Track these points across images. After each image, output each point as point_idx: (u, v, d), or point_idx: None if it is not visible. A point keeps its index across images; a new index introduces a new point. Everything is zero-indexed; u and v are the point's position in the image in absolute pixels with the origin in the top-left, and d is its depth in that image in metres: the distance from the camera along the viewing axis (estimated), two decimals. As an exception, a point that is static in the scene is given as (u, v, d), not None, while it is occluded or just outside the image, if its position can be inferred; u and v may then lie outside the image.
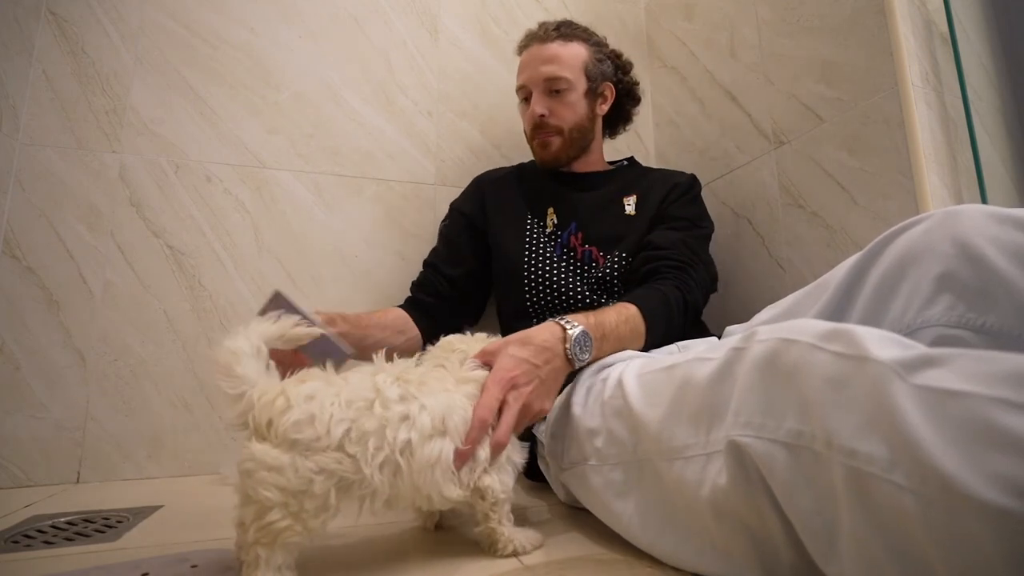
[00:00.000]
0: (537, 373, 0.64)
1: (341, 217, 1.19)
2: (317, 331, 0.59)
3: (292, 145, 1.18)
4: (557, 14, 1.42)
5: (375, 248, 1.20)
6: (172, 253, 1.07)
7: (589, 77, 1.03)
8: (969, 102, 0.84)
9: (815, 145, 0.98)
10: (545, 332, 0.68)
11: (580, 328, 0.69)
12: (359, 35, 1.26)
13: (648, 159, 1.46)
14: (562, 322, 0.69)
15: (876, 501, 0.34)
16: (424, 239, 1.22)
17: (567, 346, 0.67)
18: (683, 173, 1.06)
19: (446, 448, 0.54)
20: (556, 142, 1.03)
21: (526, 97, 1.05)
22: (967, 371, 0.33)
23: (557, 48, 1.02)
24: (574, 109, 1.02)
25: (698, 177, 1.28)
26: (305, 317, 0.63)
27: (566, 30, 1.04)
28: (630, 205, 1.01)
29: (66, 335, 0.99)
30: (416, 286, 1.03)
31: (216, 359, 0.50)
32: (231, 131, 1.14)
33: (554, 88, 1.01)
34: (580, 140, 1.05)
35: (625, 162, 1.15)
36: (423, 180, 1.26)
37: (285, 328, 0.56)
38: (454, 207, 1.12)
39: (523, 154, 1.33)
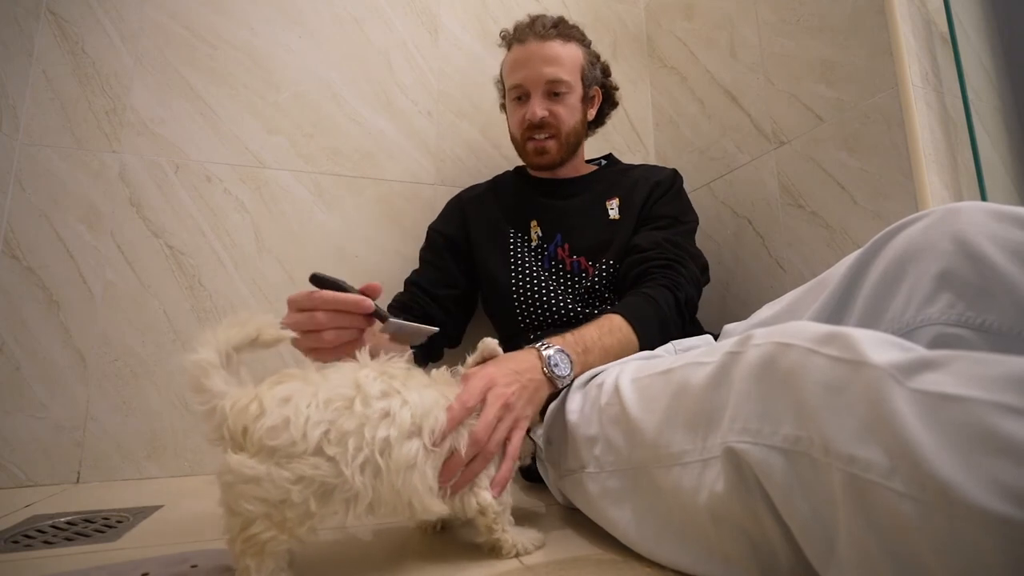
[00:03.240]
0: (518, 379, 0.63)
1: (341, 217, 1.19)
2: (288, 334, 0.54)
3: (292, 145, 1.18)
4: (558, 14, 1.42)
5: (375, 248, 1.20)
6: (172, 253, 1.07)
7: (584, 81, 1.02)
8: (969, 102, 0.84)
9: (815, 145, 0.98)
10: (520, 355, 0.67)
11: (555, 347, 0.68)
12: (359, 35, 1.26)
13: (648, 159, 1.46)
14: (536, 346, 0.69)
15: (875, 507, 0.34)
16: (424, 239, 1.22)
17: (543, 367, 0.66)
18: (664, 169, 1.04)
19: (422, 450, 0.51)
20: (553, 146, 1.00)
21: (519, 97, 1.01)
22: (966, 374, 0.32)
23: (558, 48, 0.98)
24: (573, 113, 1.00)
25: (697, 176, 1.29)
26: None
27: (564, 29, 1.00)
28: (613, 209, 0.99)
29: (66, 335, 0.99)
30: (401, 307, 0.97)
31: (185, 373, 0.48)
32: (231, 131, 1.14)
33: (555, 90, 0.98)
34: (575, 144, 1.03)
35: (603, 161, 1.13)
36: (423, 180, 1.26)
37: (253, 332, 0.51)
38: (434, 229, 1.08)
39: (523, 154, 1.34)
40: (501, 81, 1.09)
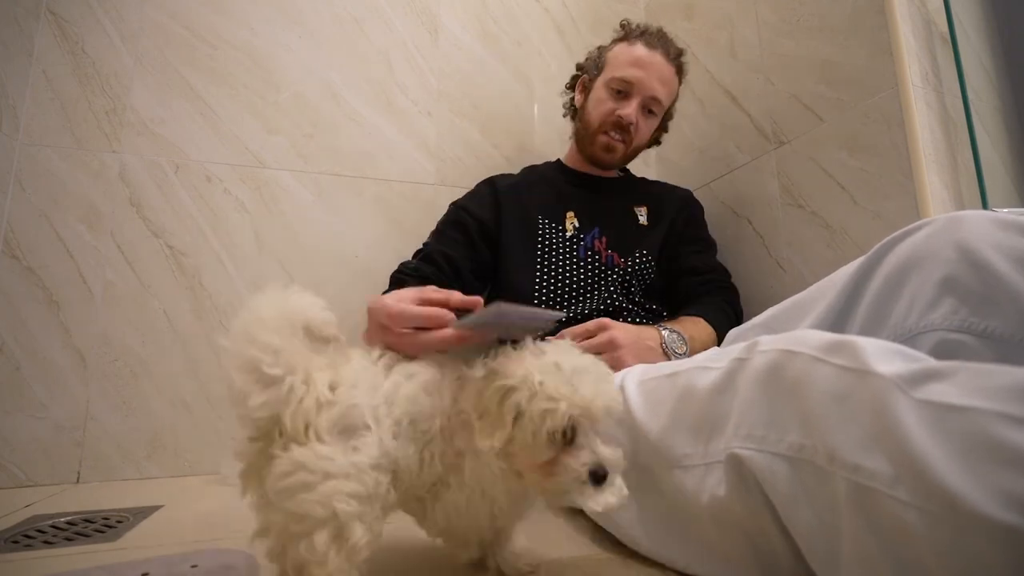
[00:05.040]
0: (637, 336, 0.78)
1: (341, 217, 1.19)
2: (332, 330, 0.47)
3: (292, 145, 1.18)
4: (557, 15, 1.42)
5: (375, 248, 1.20)
6: (172, 253, 1.07)
7: (667, 112, 1.08)
8: (969, 102, 0.84)
9: (815, 145, 0.98)
10: (649, 330, 0.80)
11: (675, 331, 0.81)
12: (359, 35, 1.26)
13: (648, 159, 1.46)
14: (656, 326, 0.81)
15: (879, 516, 0.34)
16: (424, 239, 1.22)
17: (662, 342, 0.79)
18: (681, 189, 1.12)
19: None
20: (620, 150, 1.03)
21: (619, 90, 1.01)
22: (969, 385, 0.32)
23: (671, 75, 1.03)
24: (649, 132, 1.06)
25: (697, 176, 1.29)
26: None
27: (680, 63, 1.05)
28: (642, 216, 1.04)
29: (66, 335, 0.99)
30: (422, 281, 0.90)
31: (251, 318, 0.42)
32: (231, 131, 1.14)
33: (651, 108, 1.03)
34: (633, 157, 1.09)
35: (619, 172, 1.15)
36: (423, 180, 1.26)
37: (319, 322, 0.45)
38: (464, 209, 1.03)
39: (522, 154, 1.34)
40: (596, 62, 1.07)
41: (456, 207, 1.05)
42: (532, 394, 0.43)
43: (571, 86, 1.14)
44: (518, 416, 0.43)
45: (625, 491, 0.43)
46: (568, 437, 0.42)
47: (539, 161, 1.18)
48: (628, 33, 1.05)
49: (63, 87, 1.05)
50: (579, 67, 1.13)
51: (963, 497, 0.29)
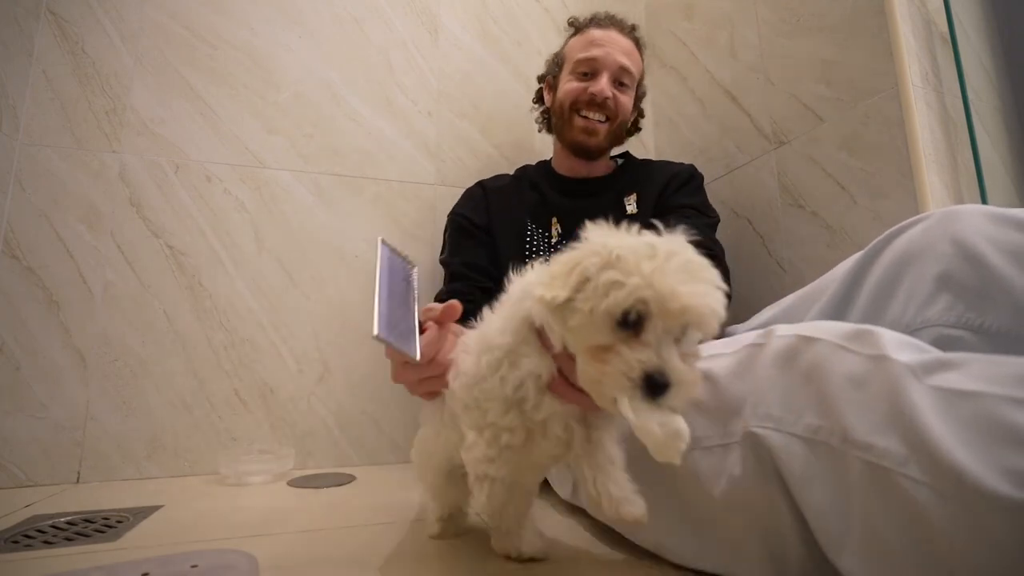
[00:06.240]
0: None
1: (341, 217, 1.19)
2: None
3: (292, 145, 1.18)
4: (557, 15, 1.42)
5: (375, 248, 1.20)
6: (172, 253, 1.07)
7: (639, 87, 1.08)
8: (969, 102, 0.84)
9: (815, 145, 0.98)
10: None
11: None
12: (359, 35, 1.26)
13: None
14: None
15: (891, 494, 0.35)
16: (424, 239, 1.22)
17: None
18: (681, 164, 1.06)
19: None
20: (604, 131, 1.02)
21: (587, 72, 1.02)
22: (979, 374, 0.34)
23: (632, 47, 1.05)
24: (629, 105, 1.05)
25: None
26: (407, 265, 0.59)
27: (637, 37, 1.07)
28: (631, 204, 1.02)
29: (66, 335, 0.99)
30: (458, 295, 0.90)
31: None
32: (231, 131, 1.14)
33: (622, 80, 1.02)
34: (617, 138, 1.07)
35: (620, 159, 1.14)
36: (423, 180, 1.26)
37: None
38: (463, 216, 1.05)
39: (522, 155, 1.34)
40: (555, 61, 1.11)
41: (456, 215, 1.07)
42: (605, 264, 0.38)
43: (538, 99, 1.16)
44: (583, 283, 0.39)
45: (684, 430, 0.38)
46: (634, 326, 0.37)
47: (538, 161, 1.18)
48: (578, 27, 1.09)
49: (63, 87, 1.05)
50: (540, 78, 1.16)
51: (973, 476, 0.31)
